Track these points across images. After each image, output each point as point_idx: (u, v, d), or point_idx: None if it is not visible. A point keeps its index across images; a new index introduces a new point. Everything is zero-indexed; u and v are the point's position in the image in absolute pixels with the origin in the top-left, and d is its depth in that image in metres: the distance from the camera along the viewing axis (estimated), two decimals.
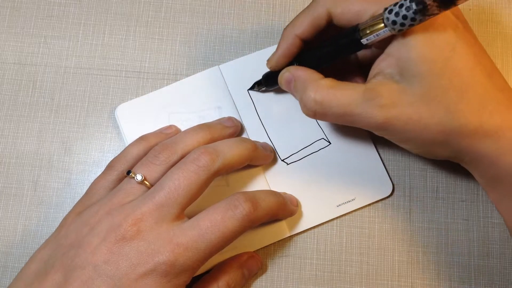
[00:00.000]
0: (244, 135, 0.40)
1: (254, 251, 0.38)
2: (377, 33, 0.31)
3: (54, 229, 0.34)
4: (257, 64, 0.42)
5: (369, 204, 0.40)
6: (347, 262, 0.39)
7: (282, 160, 0.40)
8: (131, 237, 0.31)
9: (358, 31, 0.32)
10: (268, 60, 0.38)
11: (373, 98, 0.32)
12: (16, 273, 0.37)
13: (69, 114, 0.41)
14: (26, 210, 0.40)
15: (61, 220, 0.34)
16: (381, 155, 0.40)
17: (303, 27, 0.36)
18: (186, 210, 0.33)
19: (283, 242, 0.39)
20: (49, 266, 0.31)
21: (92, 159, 0.41)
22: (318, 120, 0.41)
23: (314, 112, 0.34)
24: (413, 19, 0.29)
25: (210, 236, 0.31)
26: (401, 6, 0.29)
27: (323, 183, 0.40)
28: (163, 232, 0.31)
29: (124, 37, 0.43)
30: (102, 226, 0.31)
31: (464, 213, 0.40)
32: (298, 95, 0.35)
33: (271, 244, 0.39)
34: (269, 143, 0.40)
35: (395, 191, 0.40)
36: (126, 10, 0.43)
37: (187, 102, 0.41)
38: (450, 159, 0.35)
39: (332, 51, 0.35)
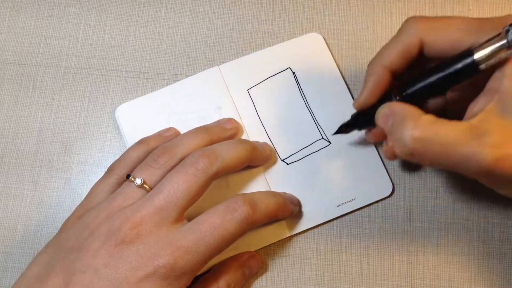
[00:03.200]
0: (244, 135, 0.40)
1: (254, 251, 0.38)
2: (499, 56, 0.29)
3: (54, 229, 0.34)
4: (257, 64, 0.42)
5: (369, 204, 0.40)
6: (347, 262, 0.39)
7: (282, 160, 0.40)
8: (131, 241, 0.31)
9: (472, 56, 0.30)
10: (355, 101, 0.35)
11: (482, 135, 0.28)
12: (16, 273, 0.37)
13: (69, 114, 0.41)
14: (26, 210, 0.40)
15: (61, 221, 0.35)
16: (381, 155, 0.40)
17: (392, 58, 0.33)
18: (185, 212, 0.33)
19: (283, 242, 0.39)
20: (50, 269, 0.31)
21: (92, 159, 0.41)
22: (318, 122, 0.41)
23: (411, 151, 0.30)
24: None
25: (209, 239, 0.31)
26: None
27: (323, 183, 0.40)
28: (163, 235, 0.31)
29: (124, 37, 0.43)
30: (102, 230, 0.31)
31: (464, 213, 0.40)
32: (394, 133, 0.31)
33: (271, 244, 0.39)
34: (269, 143, 0.40)
35: (395, 191, 0.40)
36: (126, 10, 0.43)
37: (187, 102, 0.41)
38: None
39: (441, 79, 0.31)
